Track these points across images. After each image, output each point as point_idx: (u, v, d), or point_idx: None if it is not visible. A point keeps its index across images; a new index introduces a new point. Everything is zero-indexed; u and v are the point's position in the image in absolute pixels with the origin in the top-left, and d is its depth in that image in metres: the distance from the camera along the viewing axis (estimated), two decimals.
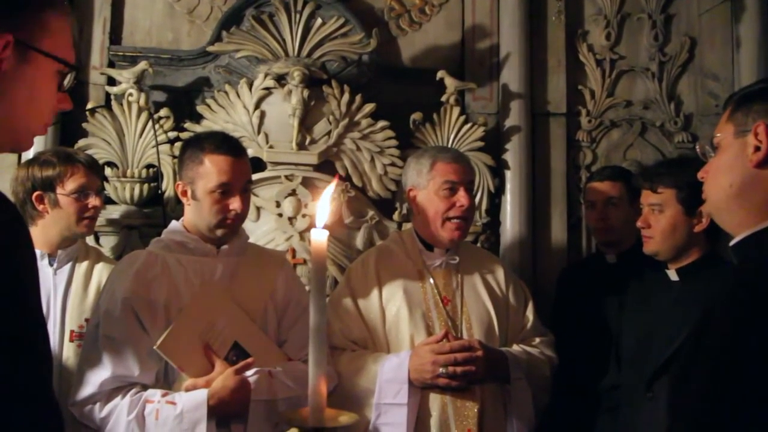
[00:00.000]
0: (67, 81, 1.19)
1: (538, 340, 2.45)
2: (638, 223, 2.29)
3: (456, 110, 3.22)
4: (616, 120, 3.47)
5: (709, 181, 1.38)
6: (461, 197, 2.37)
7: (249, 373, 2.04)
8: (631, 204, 2.73)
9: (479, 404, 2.25)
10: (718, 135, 1.37)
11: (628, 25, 3.52)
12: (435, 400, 2.25)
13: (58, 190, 2.39)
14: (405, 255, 2.48)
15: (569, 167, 3.40)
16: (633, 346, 2.32)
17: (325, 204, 1.22)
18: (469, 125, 3.22)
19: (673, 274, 2.26)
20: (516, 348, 2.40)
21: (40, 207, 2.40)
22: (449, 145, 3.17)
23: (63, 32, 1.17)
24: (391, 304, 2.39)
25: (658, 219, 2.22)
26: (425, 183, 2.43)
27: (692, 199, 2.17)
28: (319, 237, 1.19)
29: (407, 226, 3.10)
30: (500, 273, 2.51)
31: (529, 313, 2.50)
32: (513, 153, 3.29)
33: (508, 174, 3.27)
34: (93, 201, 2.44)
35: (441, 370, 2.19)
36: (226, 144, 2.18)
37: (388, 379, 2.24)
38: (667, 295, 2.25)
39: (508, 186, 3.27)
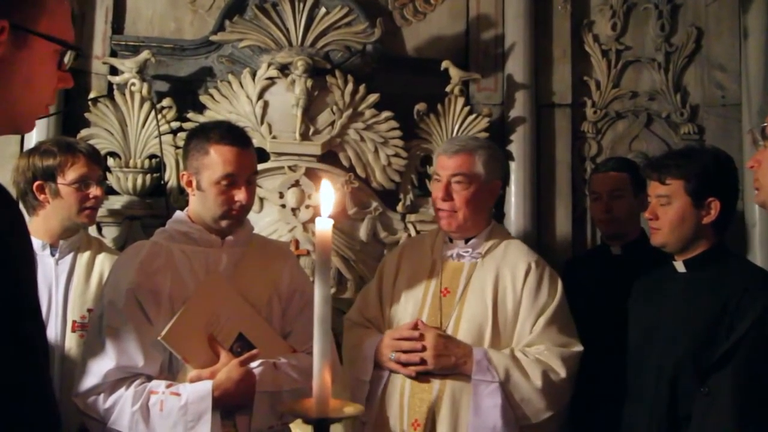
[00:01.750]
0: (68, 59, 1.17)
1: (543, 347, 2.28)
2: (646, 215, 2.27)
3: (460, 101, 3.20)
4: (622, 111, 3.45)
5: (763, 171, 1.35)
6: (437, 190, 2.41)
7: (254, 364, 2.03)
8: (635, 195, 2.72)
9: (434, 396, 2.26)
10: None
11: (634, 15, 3.50)
12: (395, 384, 2.33)
13: (59, 180, 2.38)
14: (430, 246, 2.53)
15: (574, 159, 3.39)
16: (639, 336, 2.30)
17: (329, 193, 1.21)
18: (473, 116, 3.20)
19: (680, 266, 2.24)
20: (505, 351, 2.28)
21: (41, 197, 2.38)
22: (453, 136, 3.15)
23: (59, 11, 1.15)
24: (398, 292, 2.45)
25: (665, 211, 2.20)
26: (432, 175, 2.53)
27: (701, 190, 2.15)
28: (324, 226, 1.17)
29: (411, 217, 3.10)
30: (521, 270, 2.36)
31: (543, 319, 2.31)
32: (518, 144, 3.27)
33: (513, 165, 3.26)
34: (94, 191, 2.42)
35: (390, 356, 2.30)
36: (232, 134, 2.17)
37: (360, 357, 2.37)
38: (675, 286, 2.23)
39: (513, 177, 3.25)
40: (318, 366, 1.15)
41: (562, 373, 2.26)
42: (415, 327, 2.32)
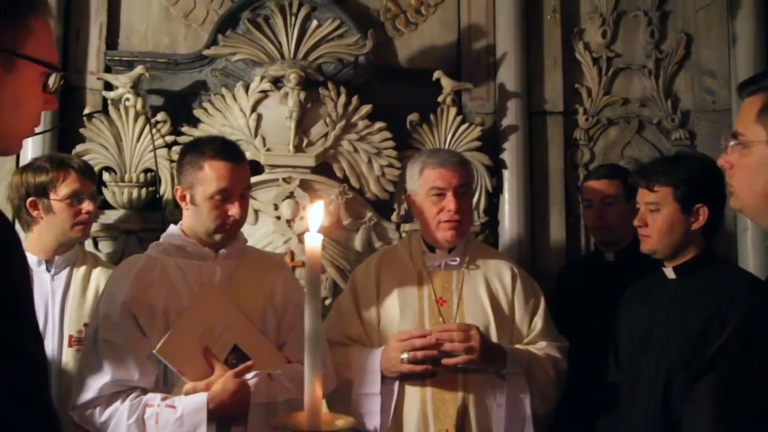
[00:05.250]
0: (53, 82, 1.19)
1: (545, 343, 2.41)
2: (635, 222, 2.29)
3: (453, 110, 3.22)
4: (614, 118, 3.47)
5: (738, 178, 1.37)
6: (449, 202, 2.38)
7: (249, 375, 2.04)
8: (628, 202, 2.73)
9: (460, 401, 2.26)
10: (745, 134, 1.36)
11: (624, 23, 3.53)
12: (414, 394, 2.30)
13: (52, 196, 2.39)
14: (408, 256, 2.51)
15: (567, 166, 3.41)
16: (631, 343, 2.32)
17: (318, 209, 1.22)
18: (466, 125, 3.23)
19: (670, 272, 2.26)
20: (518, 346, 2.38)
21: (35, 213, 2.40)
22: (447, 146, 3.18)
23: (45, 35, 1.18)
24: (387, 305, 2.43)
25: (654, 218, 2.22)
26: (417, 188, 2.47)
27: (689, 197, 2.17)
28: (313, 242, 1.19)
29: (406, 227, 3.12)
30: (507, 275, 2.48)
31: (538, 318, 2.45)
32: (510, 152, 3.29)
33: (506, 173, 3.28)
34: (87, 206, 2.44)
35: (402, 356, 2.24)
36: (225, 149, 2.19)
37: (364, 370, 2.31)
38: (665, 292, 2.25)
39: (506, 185, 3.28)
40: (309, 379, 1.17)
41: (564, 364, 2.41)
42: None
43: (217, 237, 2.17)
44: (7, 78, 1.11)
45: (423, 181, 2.44)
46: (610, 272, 2.79)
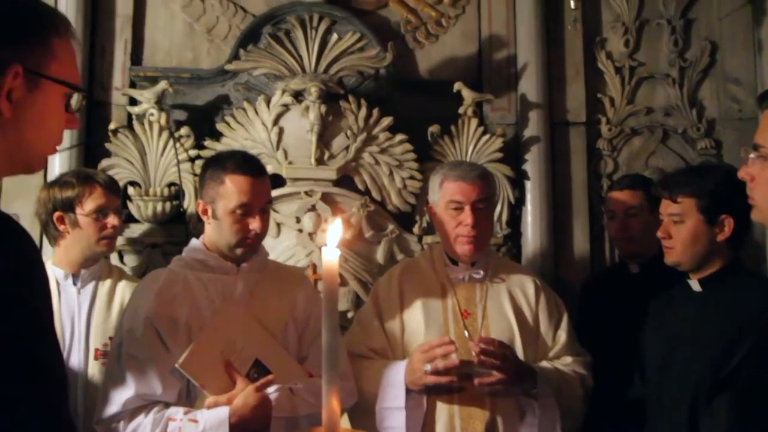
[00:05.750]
0: (75, 102, 1.22)
1: (570, 359, 2.38)
2: (658, 234, 2.25)
3: (474, 122, 3.22)
4: (637, 127, 3.44)
5: (759, 190, 1.36)
6: (466, 216, 2.35)
7: (270, 390, 2.04)
8: (652, 213, 2.69)
9: (488, 418, 2.23)
10: (766, 146, 1.34)
11: (646, 32, 3.50)
12: (442, 410, 2.26)
13: (78, 211, 2.43)
14: (431, 269, 2.49)
15: (590, 176, 3.38)
16: (657, 357, 2.28)
17: (337, 226, 1.23)
18: (487, 136, 3.22)
19: (695, 285, 2.22)
20: (545, 364, 2.35)
21: (61, 227, 2.44)
22: (468, 157, 3.18)
23: (68, 55, 1.20)
24: (410, 318, 2.40)
25: (678, 229, 2.18)
26: (437, 200, 2.45)
27: (713, 208, 2.14)
28: (331, 257, 1.19)
29: (427, 239, 3.11)
30: (531, 288, 2.46)
31: (562, 332, 2.42)
32: (533, 163, 3.28)
33: (528, 184, 3.26)
34: (112, 220, 2.48)
35: (426, 367, 2.19)
36: (246, 164, 2.20)
37: (388, 384, 2.26)
38: (690, 305, 2.21)
39: (529, 197, 3.26)
40: (327, 394, 1.17)
41: (590, 381, 2.38)
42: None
43: (239, 251, 2.19)
44: (31, 97, 1.14)
45: (443, 193, 2.42)
46: (634, 284, 2.75)
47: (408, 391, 2.25)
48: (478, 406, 2.24)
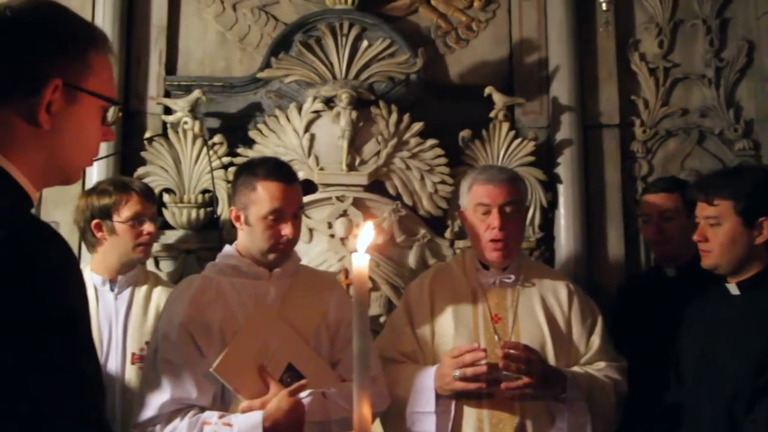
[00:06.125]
0: (111, 115, 1.25)
1: (603, 364, 2.36)
2: (695, 237, 2.21)
3: (505, 126, 3.20)
4: (672, 129, 3.39)
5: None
6: (493, 219, 2.35)
7: (303, 394, 2.05)
8: (688, 216, 2.64)
9: (518, 423, 2.22)
10: None
11: (681, 32, 3.45)
12: (470, 414, 2.25)
13: (115, 218, 2.48)
14: (462, 273, 2.49)
15: (624, 179, 3.34)
16: (694, 362, 2.24)
17: (368, 231, 1.23)
18: (519, 140, 3.20)
19: (733, 288, 2.18)
20: (577, 369, 2.34)
21: (99, 234, 2.50)
22: (500, 161, 3.17)
23: (105, 70, 1.24)
24: (441, 322, 2.40)
25: (715, 232, 2.14)
26: (467, 204, 2.46)
27: (751, 210, 2.09)
28: (361, 262, 1.20)
29: (459, 243, 3.10)
30: (563, 293, 2.44)
31: (596, 337, 2.40)
32: (565, 166, 3.25)
33: (561, 188, 3.23)
34: (147, 227, 2.52)
35: (455, 373, 2.19)
36: (278, 171, 2.23)
37: (418, 388, 2.27)
38: (729, 309, 2.17)
39: (562, 200, 3.23)
40: (357, 399, 1.17)
41: (625, 386, 2.35)
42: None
43: (271, 257, 2.21)
44: (69, 110, 1.17)
45: (471, 196, 2.43)
46: (671, 288, 2.70)
47: (437, 396, 2.25)
48: (507, 410, 2.23)
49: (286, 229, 2.18)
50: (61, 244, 1.08)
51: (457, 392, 2.23)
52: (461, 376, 2.19)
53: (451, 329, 2.37)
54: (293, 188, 2.23)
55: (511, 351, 2.16)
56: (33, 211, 1.20)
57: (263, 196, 2.17)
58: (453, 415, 2.26)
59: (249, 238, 2.22)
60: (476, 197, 2.41)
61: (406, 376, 2.32)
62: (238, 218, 2.24)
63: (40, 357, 0.98)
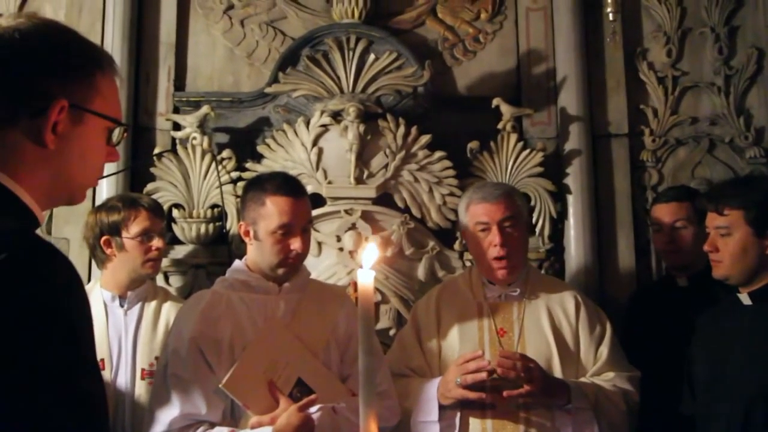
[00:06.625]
0: (116, 136, 1.26)
1: (613, 374, 2.35)
2: (705, 247, 2.19)
3: (513, 137, 3.19)
4: (682, 138, 3.37)
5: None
6: (494, 237, 2.37)
7: (313, 409, 2.05)
8: (699, 225, 2.63)
9: None
10: None
11: (689, 40, 3.43)
12: (475, 425, 2.27)
13: (124, 234, 2.50)
14: (468, 289, 2.51)
15: (634, 189, 3.32)
16: (707, 373, 2.22)
17: (372, 248, 1.24)
18: (527, 151, 3.20)
19: (745, 298, 2.15)
20: (584, 379, 2.33)
21: (108, 251, 2.51)
22: (508, 172, 3.17)
23: (111, 91, 1.25)
24: (447, 337, 2.43)
25: (726, 242, 2.12)
26: (466, 224, 2.49)
27: (762, 219, 2.07)
28: (366, 279, 1.20)
29: (468, 255, 3.09)
30: (571, 304, 2.44)
31: (604, 347, 2.40)
32: (574, 177, 3.23)
33: (570, 198, 3.22)
34: (156, 243, 2.54)
35: (456, 380, 2.22)
36: (287, 185, 2.23)
37: (423, 399, 2.30)
38: (741, 319, 2.15)
39: (571, 210, 3.21)
40: (364, 416, 1.17)
41: (636, 396, 2.33)
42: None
43: (280, 271, 2.21)
44: (75, 131, 1.18)
45: (470, 216, 2.46)
46: (683, 298, 2.69)
47: (443, 407, 2.27)
48: (512, 420, 2.24)
49: (296, 244, 2.18)
50: (65, 264, 1.08)
51: (458, 401, 2.25)
52: (462, 383, 2.22)
53: (456, 344, 2.39)
54: (302, 202, 2.24)
55: (506, 359, 2.18)
56: (40, 230, 1.20)
57: (272, 210, 2.18)
58: (458, 425, 2.27)
59: (258, 253, 2.22)
60: (474, 216, 2.44)
61: (413, 388, 2.34)
62: (247, 233, 2.25)
63: (39, 374, 0.98)
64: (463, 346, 2.37)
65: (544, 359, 2.30)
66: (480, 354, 2.25)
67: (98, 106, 1.20)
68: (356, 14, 3.21)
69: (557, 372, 2.30)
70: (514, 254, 2.40)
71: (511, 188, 2.59)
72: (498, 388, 2.21)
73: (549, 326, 2.38)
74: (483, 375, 2.20)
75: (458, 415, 2.28)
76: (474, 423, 2.27)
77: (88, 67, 1.20)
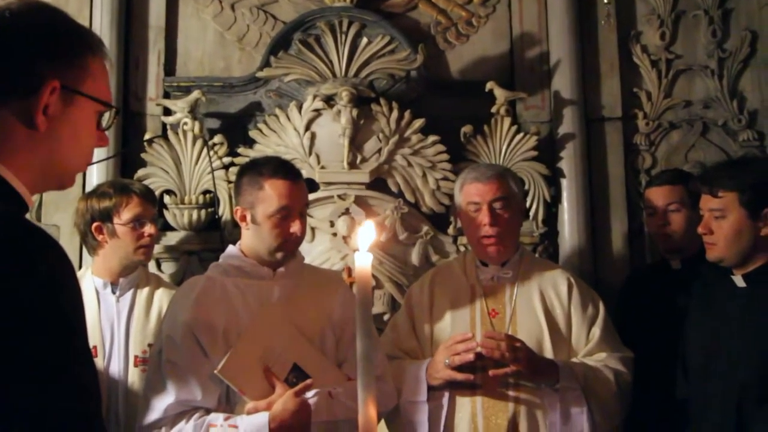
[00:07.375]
0: (106, 120, 1.24)
1: (605, 355, 2.35)
2: (699, 230, 2.19)
3: (507, 121, 3.18)
4: (676, 121, 3.37)
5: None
6: (483, 216, 2.37)
7: (309, 394, 2.04)
8: (693, 208, 2.63)
9: (511, 413, 2.23)
10: None
11: (683, 23, 3.43)
12: (464, 404, 2.28)
13: (115, 220, 2.47)
14: (462, 272, 2.52)
15: (628, 172, 3.32)
16: (701, 355, 2.23)
17: (368, 230, 1.22)
18: (521, 135, 3.18)
19: (739, 281, 2.16)
20: (574, 360, 2.34)
21: (100, 237, 2.48)
22: (502, 156, 3.17)
23: (102, 74, 1.23)
24: (439, 319, 2.43)
25: (720, 224, 2.12)
26: (459, 204, 2.50)
27: (757, 201, 2.08)
28: (363, 261, 1.19)
29: (463, 239, 3.09)
30: (563, 286, 2.44)
31: (596, 328, 2.39)
32: (568, 160, 3.23)
33: (564, 182, 3.22)
34: (148, 229, 2.51)
35: (445, 360, 2.23)
36: (284, 169, 2.22)
37: (412, 379, 2.31)
38: (734, 302, 2.15)
39: (565, 194, 3.21)
40: (362, 400, 1.16)
41: (628, 377, 2.33)
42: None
43: (279, 255, 2.20)
44: (65, 114, 1.16)
45: (463, 196, 2.47)
46: (676, 281, 2.69)
47: (432, 387, 2.28)
48: (501, 400, 2.25)
49: (295, 227, 2.17)
50: (57, 250, 1.06)
51: (446, 381, 2.25)
52: (450, 364, 2.23)
53: (448, 325, 2.40)
54: (299, 186, 2.23)
55: (490, 339, 2.19)
56: (29, 215, 1.18)
57: (271, 194, 2.16)
58: (447, 404, 2.28)
59: (256, 238, 2.20)
60: (467, 196, 2.44)
61: (403, 369, 2.35)
62: (243, 218, 2.22)
63: (33, 364, 0.97)
64: (455, 327, 2.38)
65: (535, 340, 2.31)
66: (470, 336, 2.26)
67: (89, 88, 1.18)
68: None
69: (548, 352, 2.31)
70: (504, 234, 2.40)
71: (504, 169, 2.59)
72: (487, 368, 2.22)
73: (541, 307, 2.39)
74: (470, 356, 2.21)
75: (446, 395, 2.29)
76: (463, 403, 2.28)
77: (79, 49, 1.18)
